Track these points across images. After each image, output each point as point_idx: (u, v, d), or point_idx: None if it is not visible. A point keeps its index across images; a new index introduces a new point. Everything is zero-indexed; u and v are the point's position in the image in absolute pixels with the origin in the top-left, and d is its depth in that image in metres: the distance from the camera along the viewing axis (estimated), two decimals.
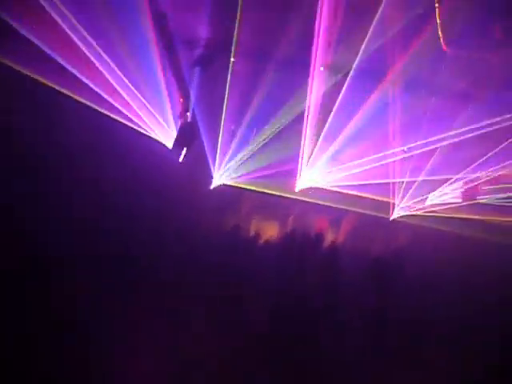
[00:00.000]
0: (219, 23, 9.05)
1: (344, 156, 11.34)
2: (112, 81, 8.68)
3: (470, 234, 10.06)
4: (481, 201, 10.86)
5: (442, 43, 9.19)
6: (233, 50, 9.51)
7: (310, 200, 11.44)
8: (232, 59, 9.58)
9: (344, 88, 10.38)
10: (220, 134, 10.98)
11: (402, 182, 11.48)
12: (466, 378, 5.05)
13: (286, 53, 9.69)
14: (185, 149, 10.44)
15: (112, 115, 8.96)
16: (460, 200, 11.08)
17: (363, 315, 6.18)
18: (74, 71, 8.17)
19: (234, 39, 9.37)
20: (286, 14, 8.92)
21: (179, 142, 10.30)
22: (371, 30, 9.27)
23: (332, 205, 11.21)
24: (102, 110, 8.90)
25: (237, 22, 9.00)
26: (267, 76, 10.16)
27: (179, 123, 10.37)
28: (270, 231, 10.24)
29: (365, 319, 6.15)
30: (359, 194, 11.39)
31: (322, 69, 10.12)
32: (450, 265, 8.04)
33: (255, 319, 5.84)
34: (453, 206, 11.28)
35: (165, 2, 8.31)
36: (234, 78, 10.00)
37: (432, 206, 11.54)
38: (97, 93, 8.65)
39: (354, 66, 10.00)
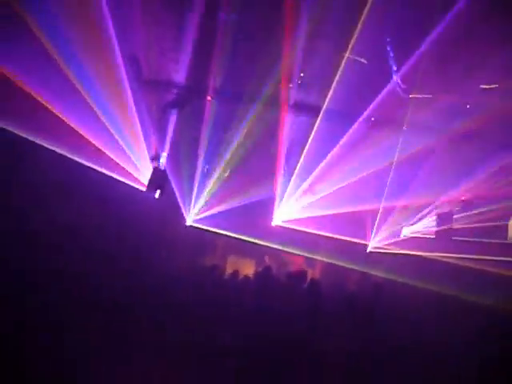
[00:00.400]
0: (193, 67, 9.12)
1: (317, 189, 11.48)
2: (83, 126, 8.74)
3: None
4: (455, 227, 10.88)
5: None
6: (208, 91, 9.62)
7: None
8: (209, 98, 9.70)
9: (315, 127, 10.59)
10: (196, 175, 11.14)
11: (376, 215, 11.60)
12: None
13: (257, 92, 9.82)
14: (158, 191, 10.48)
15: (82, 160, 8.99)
16: (435, 227, 11.12)
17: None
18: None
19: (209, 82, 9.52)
20: (255, 55, 9.05)
21: (152, 185, 10.34)
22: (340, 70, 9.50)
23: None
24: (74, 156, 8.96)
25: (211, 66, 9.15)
26: (240, 116, 10.31)
27: (152, 167, 10.43)
28: (246, 269, 10.18)
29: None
30: (333, 235, 11.49)
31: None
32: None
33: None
34: (428, 236, 11.36)
35: (137, 45, 8.39)
36: (208, 118, 10.15)
37: (406, 238, 11.63)
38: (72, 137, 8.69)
39: (324, 107, 10.21)
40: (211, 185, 11.51)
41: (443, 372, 5.57)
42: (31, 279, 5.70)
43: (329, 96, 9.83)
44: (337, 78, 9.51)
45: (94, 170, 9.12)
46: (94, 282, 6.36)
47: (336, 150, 10.79)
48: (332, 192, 11.31)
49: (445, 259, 10.53)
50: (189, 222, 11.41)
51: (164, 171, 10.47)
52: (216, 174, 11.45)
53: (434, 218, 11.21)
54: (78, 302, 5.59)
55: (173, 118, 9.61)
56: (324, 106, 9.97)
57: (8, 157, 7.84)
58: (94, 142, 9.00)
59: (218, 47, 8.53)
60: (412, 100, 9.51)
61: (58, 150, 8.54)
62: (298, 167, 11.30)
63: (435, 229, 11.07)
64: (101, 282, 6.28)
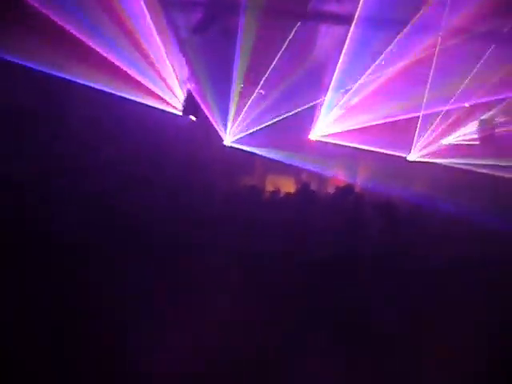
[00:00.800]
0: None
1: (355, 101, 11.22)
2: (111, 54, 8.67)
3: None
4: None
5: None
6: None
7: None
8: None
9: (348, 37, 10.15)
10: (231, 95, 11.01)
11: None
12: None
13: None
14: (193, 114, 10.49)
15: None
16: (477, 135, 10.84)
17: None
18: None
19: None
20: None
21: (188, 109, 10.33)
22: None
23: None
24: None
25: None
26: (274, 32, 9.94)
27: (186, 90, 10.36)
28: (287, 187, 10.23)
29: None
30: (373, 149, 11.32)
31: None
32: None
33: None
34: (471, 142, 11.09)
35: None
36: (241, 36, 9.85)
37: (449, 145, 11.39)
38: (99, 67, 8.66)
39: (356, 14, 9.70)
40: (248, 103, 11.41)
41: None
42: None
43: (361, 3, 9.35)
44: None
45: (126, 99, 9.15)
46: (134, 211, 6.52)
47: (374, 59, 10.40)
48: (370, 103, 11.04)
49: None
50: (227, 142, 11.45)
51: (198, 92, 10.38)
52: (252, 93, 11.31)
53: (477, 123, 10.91)
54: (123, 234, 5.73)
55: (202, 39, 9.36)
56: (356, 14, 9.49)
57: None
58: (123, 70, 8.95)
59: None
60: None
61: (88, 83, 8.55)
62: (334, 79, 11.00)
63: (478, 135, 10.79)
64: (141, 212, 6.46)
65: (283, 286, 4.96)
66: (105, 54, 8.57)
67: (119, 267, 4.61)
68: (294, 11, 9.34)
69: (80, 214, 5.53)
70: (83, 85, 8.62)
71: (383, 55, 10.22)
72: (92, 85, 8.65)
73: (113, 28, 8.37)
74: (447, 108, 11.00)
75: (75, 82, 8.53)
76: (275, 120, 11.27)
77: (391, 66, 10.28)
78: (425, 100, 10.85)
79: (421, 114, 11.16)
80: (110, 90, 8.95)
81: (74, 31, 8.11)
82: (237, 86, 11.08)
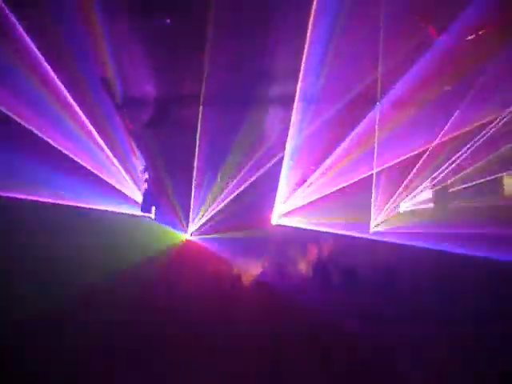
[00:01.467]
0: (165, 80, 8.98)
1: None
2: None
3: None
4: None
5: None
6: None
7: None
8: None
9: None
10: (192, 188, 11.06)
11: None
12: None
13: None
14: (153, 210, 10.42)
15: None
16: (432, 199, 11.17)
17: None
18: None
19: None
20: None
21: (146, 206, 10.25)
22: None
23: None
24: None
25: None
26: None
27: (143, 188, 10.34)
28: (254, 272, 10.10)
29: None
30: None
31: None
32: None
33: None
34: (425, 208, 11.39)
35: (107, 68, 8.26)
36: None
37: (405, 212, 11.65)
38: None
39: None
40: (209, 195, 11.47)
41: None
42: None
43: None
44: None
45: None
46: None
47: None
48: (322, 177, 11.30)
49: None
50: (188, 234, 11.34)
51: (155, 190, 10.37)
52: (210, 184, 11.41)
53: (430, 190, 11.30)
54: None
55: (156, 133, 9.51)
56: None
57: None
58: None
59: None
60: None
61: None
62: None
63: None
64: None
65: None
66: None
67: None
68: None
69: None
70: None
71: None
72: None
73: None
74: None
75: None
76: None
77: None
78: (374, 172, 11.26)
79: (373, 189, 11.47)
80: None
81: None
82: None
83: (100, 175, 9.51)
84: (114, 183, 9.90)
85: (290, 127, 10.36)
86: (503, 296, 6.59)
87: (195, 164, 10.47)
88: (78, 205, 9.09)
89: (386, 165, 11.06)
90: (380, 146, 10.63)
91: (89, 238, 8.65)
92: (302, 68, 9.10)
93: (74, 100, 8.05)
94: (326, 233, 11.51)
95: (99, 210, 9.50)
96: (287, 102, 10.05)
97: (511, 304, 6.31)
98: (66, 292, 7.04)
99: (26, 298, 6.60)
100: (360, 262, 8.81)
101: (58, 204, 8.82)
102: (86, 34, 7.23)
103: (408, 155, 10.85)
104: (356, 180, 11.28)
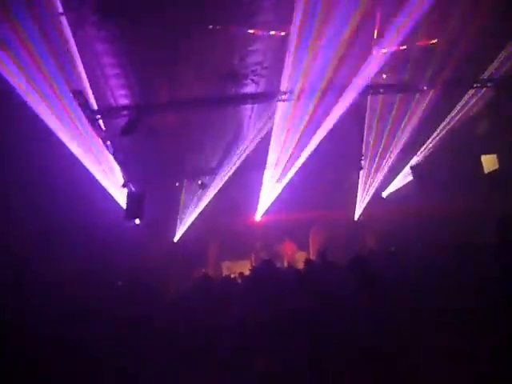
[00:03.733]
0: (139, 86, 8.96)
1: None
2: None
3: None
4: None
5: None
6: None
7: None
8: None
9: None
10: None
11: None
12: None
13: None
14: (136, 217, 10.43)
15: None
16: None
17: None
18: None
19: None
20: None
21: (130, 212, 10.24)
22: None
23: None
24: None
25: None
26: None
27: (127, 194, 10.33)
28: (244, 269, 10.17)
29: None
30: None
31: None
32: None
33: None
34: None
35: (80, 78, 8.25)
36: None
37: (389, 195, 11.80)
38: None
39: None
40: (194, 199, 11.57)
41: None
42: None
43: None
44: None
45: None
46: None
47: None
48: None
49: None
50: (176, 237, 11.46)
51: (138, 195, 10.37)
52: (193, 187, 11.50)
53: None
54: None
55: (133, 140, 9.52)
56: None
57: None
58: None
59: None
60: None
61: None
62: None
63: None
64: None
65: None
66: None
67: None
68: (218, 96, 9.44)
69: None
70: None
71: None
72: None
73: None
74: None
75: None
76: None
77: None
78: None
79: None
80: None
81: None
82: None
83: None
84: None
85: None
86: None
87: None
88: None
89: None
90: None
91: None
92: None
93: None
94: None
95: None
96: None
97: None
98: None
99: None
100: None
101: None
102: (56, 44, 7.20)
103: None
104: None
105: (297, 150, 10.66)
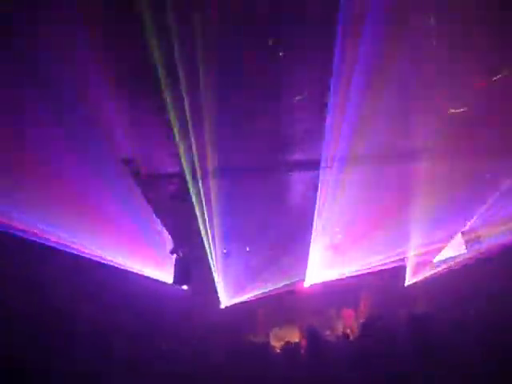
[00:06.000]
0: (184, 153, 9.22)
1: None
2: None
3: None
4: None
5: None
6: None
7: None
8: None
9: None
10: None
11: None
12: None
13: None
14: (185, 282, 10.48)
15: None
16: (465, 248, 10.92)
17: None
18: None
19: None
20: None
21: (178, 278, 10.30)
22: None
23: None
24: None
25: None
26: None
27: (174, 259, 10.43)
28: (292, 338, 9.90)
29: None
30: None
31: None
32: None
33: None
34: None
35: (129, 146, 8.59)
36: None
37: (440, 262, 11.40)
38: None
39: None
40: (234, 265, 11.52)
41: None
42: None
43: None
44: None
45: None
46: None
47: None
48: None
49: None
50: (223, 304, 11.33)
51: (186, 260, 10.47)
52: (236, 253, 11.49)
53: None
54: None
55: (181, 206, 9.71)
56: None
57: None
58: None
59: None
60: None
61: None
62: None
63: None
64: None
65: None
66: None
67: None
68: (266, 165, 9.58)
69: None
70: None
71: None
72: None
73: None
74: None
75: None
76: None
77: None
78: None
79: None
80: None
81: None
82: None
83: None
84: None
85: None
86: None
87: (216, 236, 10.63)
88: None
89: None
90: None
91: None
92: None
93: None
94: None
95: None
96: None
97: None
98: None
99: None
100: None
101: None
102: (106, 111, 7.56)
103: None
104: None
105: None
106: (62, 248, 8.32)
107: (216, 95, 7.69)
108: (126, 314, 8.58)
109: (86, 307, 8.38)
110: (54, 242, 8.28)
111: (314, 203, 10.48)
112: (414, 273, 11.48)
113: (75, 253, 8.56)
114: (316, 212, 10.63)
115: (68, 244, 8.43)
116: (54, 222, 8.03)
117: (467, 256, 10.82)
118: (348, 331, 10.38)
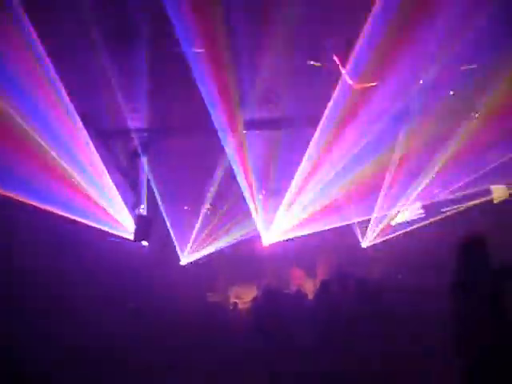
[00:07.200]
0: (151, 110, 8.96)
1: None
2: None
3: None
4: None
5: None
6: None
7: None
8: None
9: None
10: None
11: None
12: None
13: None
14: (144, 239, 10.45)
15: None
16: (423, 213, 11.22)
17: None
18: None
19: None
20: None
21: (139, 234, 10.23)
22: None
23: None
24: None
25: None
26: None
27: (135, 216, 10.34)
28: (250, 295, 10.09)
29: None
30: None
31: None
32: None
33: None
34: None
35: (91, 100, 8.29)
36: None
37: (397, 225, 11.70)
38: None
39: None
40: (198, 223, 11.54)
41: None
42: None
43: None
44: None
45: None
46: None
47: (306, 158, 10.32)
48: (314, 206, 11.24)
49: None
50: (183, 261, 11.39)
51: (147, 218, 10.42)
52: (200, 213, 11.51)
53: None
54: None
55: (142, 163, 9.57)
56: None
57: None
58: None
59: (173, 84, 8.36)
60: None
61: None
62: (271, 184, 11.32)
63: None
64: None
65: None
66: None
67: None
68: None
69: None
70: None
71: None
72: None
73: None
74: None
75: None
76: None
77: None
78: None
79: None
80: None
81: None
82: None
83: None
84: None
85: None
86: None
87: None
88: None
89: None
90: None
91: None
92: None
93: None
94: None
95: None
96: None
97: None
98: None
99: None
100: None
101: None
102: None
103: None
104: None
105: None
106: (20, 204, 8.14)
107: None
108: (88, 271, 8.55)
109: (44, 264, 8.30)
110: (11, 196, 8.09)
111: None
112: (373, 235, 11.79)
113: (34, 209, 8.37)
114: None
115: (26, 201, 8.25)
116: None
117: (426, 221, 11.17)
118: (301, 290, 10.60)
